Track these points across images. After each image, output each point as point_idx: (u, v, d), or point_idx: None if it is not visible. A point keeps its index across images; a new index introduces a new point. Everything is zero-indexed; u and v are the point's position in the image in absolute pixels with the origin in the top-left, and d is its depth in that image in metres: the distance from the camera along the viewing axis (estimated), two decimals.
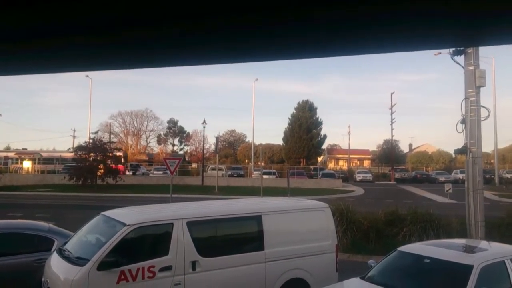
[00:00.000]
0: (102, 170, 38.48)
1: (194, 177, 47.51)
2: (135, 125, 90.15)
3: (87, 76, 60.06)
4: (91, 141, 40.67)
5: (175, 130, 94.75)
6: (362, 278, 6.99)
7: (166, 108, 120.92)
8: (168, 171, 18.16)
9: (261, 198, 12.09)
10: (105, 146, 39.77)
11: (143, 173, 53.48)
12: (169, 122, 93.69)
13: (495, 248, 7.22)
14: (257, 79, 59.35)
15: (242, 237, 7.97)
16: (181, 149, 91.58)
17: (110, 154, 39.13)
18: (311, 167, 59.65)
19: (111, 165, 39.14)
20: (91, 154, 38.22)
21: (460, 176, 46.68)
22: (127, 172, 49.59)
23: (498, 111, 49.13)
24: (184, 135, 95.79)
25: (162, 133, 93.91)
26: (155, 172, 52.75)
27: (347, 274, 7.87)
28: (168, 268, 6.76)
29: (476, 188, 12.26)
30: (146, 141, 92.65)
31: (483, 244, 7.83)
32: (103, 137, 51.14)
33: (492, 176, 45.73)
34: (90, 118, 63.99)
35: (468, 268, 6.18)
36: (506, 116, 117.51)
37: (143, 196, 31.24)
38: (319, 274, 8.16)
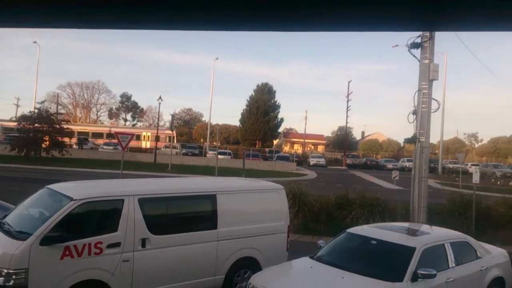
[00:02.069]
0: (48, 142, 36.90)
1: (146, 154, 46.65)
2: (85, 97, 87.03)
3: (35, 42, 57.13)
4: (36, 111, 38.83)
5: (128, 105, 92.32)
6: (312, 258, 7.16)
7: (120, 82, 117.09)
8: (119, 146, 17.66)
9: (216, 178, 12.05)
10: (52, 117, 38.07)
11: (91, 148, 51.87)
12: (122, 96, 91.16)
13: (436, 232, 7.62)
14: (217, 58, 58.63)
15: (196, 216, 7.91)
16: (133, 125, 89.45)
17: (57, 126, 37.53)
18: (267, 149, 60.12)
19: (57, 137, 37.56)
20: (36, 124, 36.46)
21: (407, 164, 48.70)
22: (74, 146, 47.91)
23: (445, 105, 51.27)
24: (138, 110, 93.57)
25: (114, 107, 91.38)
26: (105, 147, 51.27)
27: (297, 254, 8.02)
28: (117, 244, 6.60)
29: (422, 176, 12.79)
30: (97, 114, 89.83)
31: (426, 228, 8.24)
32: (50, 108, 48.95)
33: (436, 166, 47.94)
34: (36, 87, 60.70)
35: (411, 250, 6.48)
36: (451, 110, 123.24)
37: (91, 171, 30.28)
38: (270, 253, 8.30)
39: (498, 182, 35.57)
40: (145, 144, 57.69)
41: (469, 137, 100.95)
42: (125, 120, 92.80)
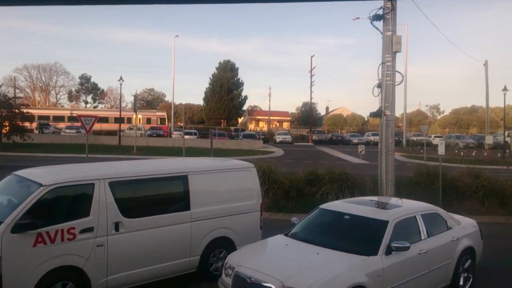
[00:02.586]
0: (7, 128, 35.43)
1: (110, 136, 45.60)
2: (43, 80, 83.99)
3: None
4: None
5: (88, 87, 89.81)
6: (286, 235, 7.20)
7: (78, 63, 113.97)
8: (82, 130, 17.11)
9: (186, 158, 11.88)
10: (10, 101, 36.48)
11: (53, 132, 50.24)
12: (81, 77, 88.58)
13: (407, 205, 7.78)
14: (177, 36, 57.43)
15: (168, 197, 7.79)
16: (94, 107, 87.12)
17: (16, 110, 36.05)
18: (232, 128, 59.99)
19: (17, 122, 36.14)
20: None
21: (372, 138, 49.86)
22: (35, 131, 46.22)
23: (407, 77, 52.31)
24: (98, 92, 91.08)
25: (73, 89, 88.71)
26: (67, 130, 49.79)
27: (270, 231, 8.06)
28: (90, 229, 6.48)
29: (388, 149, 13.01)
30: (56, 97, 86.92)
31: (397, 201, 8.40)
32: (8, 92, 46.83)
33: (401, 139, 49.22)
34: None
35: (384, 223, 6.60)
36: (413, 82, 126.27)
37: (55, 156, 29.41)
38: (244, 232, 8.31)
39: (461, 153, 36.91)
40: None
41: (431, 109, 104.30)
42: (86, 102, 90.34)
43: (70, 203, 6.65)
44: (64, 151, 31.65)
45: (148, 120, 52.48)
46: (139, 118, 57.40)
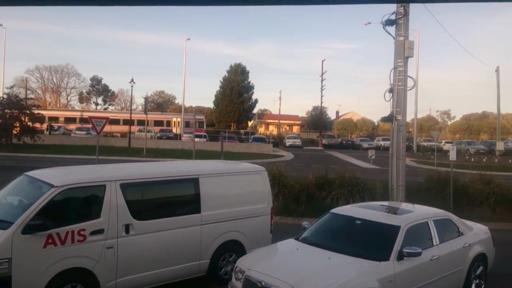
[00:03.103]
0: (18, 128, 35.79)
1: (120, 138, 45.87)
2: (54, 81, 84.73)
3: (0, 25, 54.77)
4: (5, 96, 37.49)
5: (99, 88, 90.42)
6: (297, 239, 7.16)
7: (90, 64, 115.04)
8: (93, 131, 17.22)
9: (197, 161, 11.91)
10: (21, 102, 36.87)
11: (63, 133, 50.68)
12: (92, 79, 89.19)
13: (419, 210, 7.71)
14: (188, 39, 57.48)
15: (179, 200, 7.79)
16: (105, 109, 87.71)
17: (27, 111, 36.42)
18: (242, 131, 59.95)
19: (28, 123, 36.47)
20: (6, 110, 35.27)
21: (382, 143, 49.55)
22: (45, 132, 46.71)
23: (418, 83, 52.02)
24: (109, 94, 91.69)
25: (84, 91, 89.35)
26: (77, 132, 50.20)
27: (280, 235, 8.03)
28: (100, 231, 6.48)
29: (399, 154, 12.92)
30: (67, 99, 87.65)
31: (409, 206, 8.32)
32: (19, 93, 47.35)
33: (411, 144, 48.81)
34: (3, 72, 58.46)
35: (395, 229, 6.54)
36: (423, 88, 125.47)
37: (65, 157, 29.61)
38: (254, 236, 8.28)
39: (472, 159, 36.51)
40: (176, 130, 57.42)
41: (441, 115, 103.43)
42: (96, 104, 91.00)
43: (81, 204, 6.68)
44: (74, 153, 31.85)
45: (187, 124, 53.16)
46: (178, 121, 58.04)
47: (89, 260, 6.36)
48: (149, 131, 46.76)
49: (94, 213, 6.51)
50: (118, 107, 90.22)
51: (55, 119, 57.28)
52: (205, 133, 50.61)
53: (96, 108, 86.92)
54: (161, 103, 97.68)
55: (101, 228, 6.50)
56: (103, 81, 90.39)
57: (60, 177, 6.70)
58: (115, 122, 54.39)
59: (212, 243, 7.77)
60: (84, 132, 48.54)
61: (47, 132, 47.73)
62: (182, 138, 48.87)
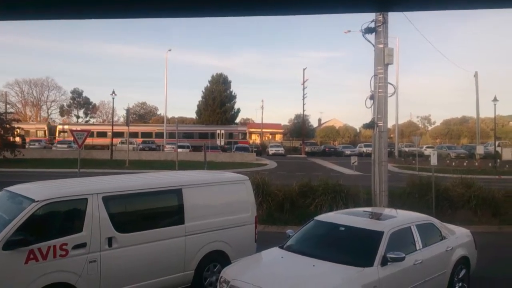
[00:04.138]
0: None
1: (102, 150, 45.34)
2: (35, 94, 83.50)
3: None
4: None
5: (80, 101, 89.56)
6: (281, 247, 7.16)
7: (70, 77, 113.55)
8: (74, 144, 17.01)
9: (180, 172, 11.85)
10: (1, 117, 36.24)
11: (44, 147, 49.92)
12: (73, 92, 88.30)
13: (401, 215, 7.79)
14: (170, 50, 57.65)
15: (162, 211, 7.74)
16: (86, 121, 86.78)
17: (7, 126, 35.80)
18: (225, 140, 59.83)
19: (8, 137, 35.85)
20: None
21: (364, 149, 49.97)
22: (27, 146, 45.97)
23: (399, 89, 52.79)
24: (90, 106, 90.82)
25: (65, 104, 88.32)
26: (58, 145, 49.47)
27: (265, 244, 8.02)
28: (82, 245, 6.40)
29: (382, 160, 13.08)
30: (47, 112, 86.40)
31: (392, 211, 8.40)
32: None
33: (393, 150, 49.42)
34: None
35: (379, 234, 6.59)
36: (404, 94, 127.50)
37: (46, 171, 29.11)
38: (239, 245, 8.26)
39: (453, 163, 37.07)
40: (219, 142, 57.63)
41: (422, 120, 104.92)
42: (78, 116, 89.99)
43: (62, 218, 6.59)
44: (55, 166, 31.37)
45: (230, 135, 53.64)
46: (222, 133, 58.26)
47: (71, 274, 6.26)
48: (131, 143, 46.36)
49: (76, 227, 6.43)
50: (100, 120, 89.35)
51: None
52: (188, 144, 50.36)
53: (77, 121, 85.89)
54: (143, 114, 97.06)
55: (84, 242, 6.41)
56: (84, 94, 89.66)
57: (41, 191, 6.60)
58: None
59: (196, 254, 7.72)
60: (66, 146, 47.89)
61: (28, 146, 47.01)
62: (165, 149, 48.55)
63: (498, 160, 38.55)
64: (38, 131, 61.24)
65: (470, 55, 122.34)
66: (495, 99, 36.78)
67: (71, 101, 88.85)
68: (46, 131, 61.34)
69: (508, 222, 14.34)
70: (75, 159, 16.57)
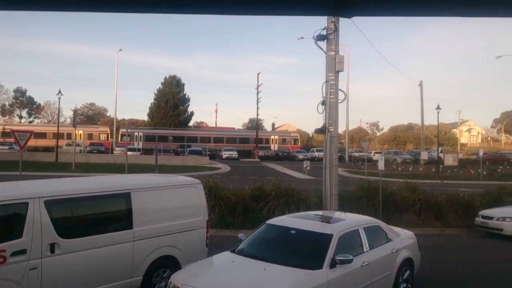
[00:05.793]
0: None
1: (47, 153, 43.41)
2: None
3: None
4: None
5: (23, 101, 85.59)
6: (233, 252, 7.11)
7: (12, 75, 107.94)
8: (16, 146, 16.17)
9: (129, 175, 11.53)
10: None
11: None
12: (15, 91, 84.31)
13: (350, 218, 7.97)
14: (120, 50, 56.35)
15: (109, 216, 7.48)
16: (30, 122, 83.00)
17: None
18: (178, 143, 59.06)
19: None
20: None
21: (316, 154, 50.94)
22: None
23: (350, 96, 54.21)
24: (34, 106, 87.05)
25: (7, 103, 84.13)
26: None
27: (216, 248, 7.93)
28: (22, 252, 6.07)
29: (332, 165, 13.31)
30: None
31: (341, 215, 8.58)
32: None
33: (343, 155, 50.64)
34: None
35: (328, 237, 6.70)
36: (354, 101, 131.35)
37: None
38: (189, 250, 8.12)
39: (399, 168, 38.52)
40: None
41: (371, 126, 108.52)
42: (20, 117, 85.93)
43: (0, 223, 6.20)
44: None
45: (266, 141, 53.15)
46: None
47: (10, 282, 5.91)
48: (78, 145, 44.73)
49: (16, 232, 6.08)
50: (45, 120, 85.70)
51: None
52: (139, 147, 49.26)
53: (20, 121, 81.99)
54: (91, 115, 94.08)
55: (23, 248, 6.07)
56: (28, 93, 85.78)
57: None
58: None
59: (145, 259, 7.51)
60: (6, 147, 45.47)
61: None
62: (115, 151, 47.21)
63: (441, 166, 40.44)
64: None
65: (417, 64, 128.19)
66: (438, 107, 38.58)
67: (14, 101, 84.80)
68: None
69: (449, 225, 15.06)
70: (17, 162, 15.74)
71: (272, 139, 63.62)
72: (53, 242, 6.37)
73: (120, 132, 59.41)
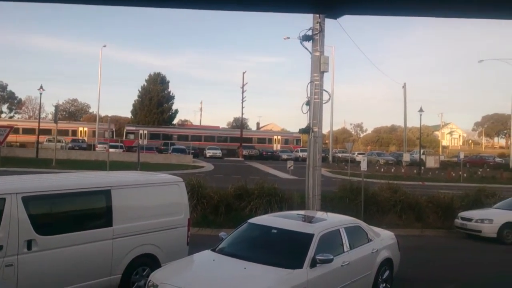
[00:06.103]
0: None
1: (27, 149, 42.68)
2: None
3: None
4: None
5: (4, 96, 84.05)
6: (213, 250, 7.08)
7: None
8: None
9: (110, 172, 11.39)
10: None
11: None
12: None
13: (331, 218, 8.00)
14: (104, 46, 55.31)
15: (88, 213, 7.38)
16: (10, 117, 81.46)
17: None
18: (161, 141, 58.65)
19: None
20: None
21: (300, 154, 51.03)
22: None
23: (334, 96, 54.63)
24: (15, 101, 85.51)
25: None
26: None
27: (198, 247, 7.88)
28: None
29: (316, 165, 13.36)
30: None
31: (323, 215, 8.62)
32: None
33: (327, 155, 50.93)
34: None
35: (309, 237, 6.72)
36: (339, 101, 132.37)
37: None
38: (170, 248, 8.05)
39: (382, 169, 38.90)
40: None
41: (355, 127, 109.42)
42: (1, 112, 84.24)
43: None
44: None
45: (269, 141, 55.35)
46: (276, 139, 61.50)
47: None
48: (59, 141, 44.06)
49: None
50: (26, 116, 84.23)
51: None
52: (121, 144, 48.76)
53: (0, 116, 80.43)
54: (73, 111, 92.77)
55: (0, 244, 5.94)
56: (9, 88, 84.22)
57: None
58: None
59: (124, 257, 7.43)
60: None
61: None
62: (97, 148, 46.65)
63: (422, 168, 40.95)
64: None
65: (401, 66, 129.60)
66: (421, 110, 39.06)
67: None
68: None
69: (429, 226, 15.26)
70: None
71: (275, 139, 64.85)
72: (30, 239, 6.27)
73: (125, 130, 60.30)
